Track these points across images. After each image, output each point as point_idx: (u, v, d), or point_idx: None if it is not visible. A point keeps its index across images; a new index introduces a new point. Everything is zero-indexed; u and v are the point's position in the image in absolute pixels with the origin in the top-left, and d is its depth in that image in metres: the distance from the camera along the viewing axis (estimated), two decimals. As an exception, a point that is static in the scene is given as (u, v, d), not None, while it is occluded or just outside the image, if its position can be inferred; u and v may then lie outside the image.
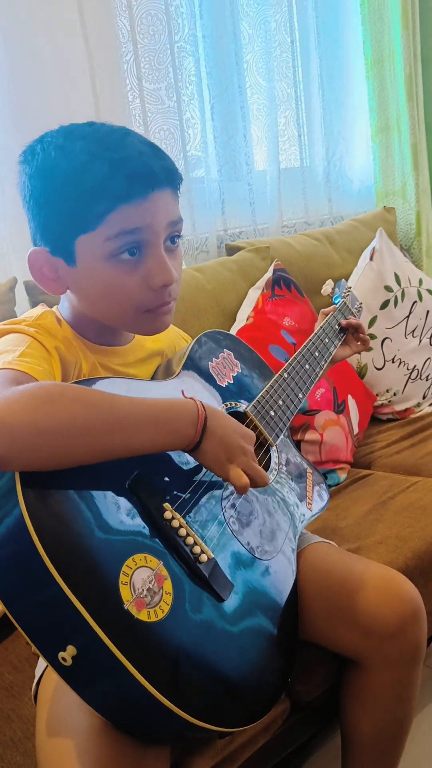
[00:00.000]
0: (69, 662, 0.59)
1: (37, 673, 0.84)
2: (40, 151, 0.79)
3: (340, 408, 1.58)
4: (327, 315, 1.18)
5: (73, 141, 0.78)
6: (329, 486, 1.45)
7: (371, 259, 1.89)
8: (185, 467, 0.80)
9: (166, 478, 0.77)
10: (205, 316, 1.57)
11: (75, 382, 0.73)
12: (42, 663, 0.84)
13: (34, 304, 1.33)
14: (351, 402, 1.65)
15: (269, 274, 1.69)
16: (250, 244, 1.79)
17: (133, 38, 1.61)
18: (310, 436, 1.48)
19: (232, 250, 1.81)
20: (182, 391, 0.87)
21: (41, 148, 0.80)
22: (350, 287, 1.28)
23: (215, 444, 0.75)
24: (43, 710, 0.75)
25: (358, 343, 1.20)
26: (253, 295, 1.66)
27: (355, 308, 1.25)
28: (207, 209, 1.82)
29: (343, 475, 1.51)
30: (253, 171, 1.94)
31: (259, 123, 1.96)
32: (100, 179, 0.75)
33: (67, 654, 0.59)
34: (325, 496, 1.06)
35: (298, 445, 1.47)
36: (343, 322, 1.18)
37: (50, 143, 0.79)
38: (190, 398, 0.77)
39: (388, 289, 1.86)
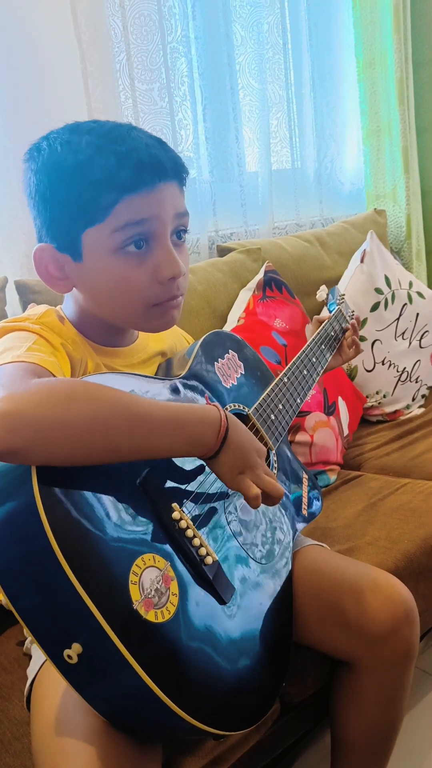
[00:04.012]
0: (75, 660, 0.59)
1: (30, 674, 0.84)
2: (46, 147, 0.79)
3: (331, 409, 1.59)
4: (321, 321, 1.19)
5: (79, 136, 0.78)
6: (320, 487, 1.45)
7: (362, 261, 1.89)
8: (192, 468, 0.80)
9: (175, 478, 0.76)
10: (197, 317, 1.56)
11: (87, 377, 0.73)
12: (35, 664, 0.84)
13: (25, 304, 1.32)
14: (341, 404, 1.65)
15: (260, 275, 1.69)
16: (241, 246, 1.79)
17: (125, 38, 1.61)
18: (300, 437, 1.48)
19: (223, 252, 1.81)
20: (206, 397, 0.87)
21: (47, 144, 0.79)
22: (344, 294, 1.29)
23: (231, 456, 0.75)
24: (39, 710, 0.75)
25: (353, 347, 1.20)
26: (244, 296, 1.66)
27: (349, 315, 1.26)
28: (198, 210, 1.82)
29: (333, 477, 1.52)
30: (245, 172, 1.94)
31: (251, 124, 1.96)
32: (108, 171, 0.75)
33: (73, 651, 0.58)
34: (319, 500, 1.07)
35: (288, 446, 1.47)
36: (351, 322, 1.19)
37: (56, 139, 0.79)
38: (213, 405, 0.76)
39: (378, 291, 1.87)
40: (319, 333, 1.15)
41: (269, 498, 0.78)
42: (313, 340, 1.13)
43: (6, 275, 1.37)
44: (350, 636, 0.89)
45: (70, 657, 0.59)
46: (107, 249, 0.79)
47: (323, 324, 1.17)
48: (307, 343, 1.12)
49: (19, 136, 1.33)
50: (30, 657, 0.90)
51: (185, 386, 0.87)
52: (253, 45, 1.91)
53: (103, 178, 0.75)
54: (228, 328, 1.60)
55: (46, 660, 0.77)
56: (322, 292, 1.24)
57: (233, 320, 1.61)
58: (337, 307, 1.23)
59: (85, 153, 0.76)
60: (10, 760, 0.84)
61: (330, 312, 1.22)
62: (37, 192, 0.80)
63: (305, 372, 1.07)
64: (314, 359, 1.10)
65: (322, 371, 1.12)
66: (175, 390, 0.85)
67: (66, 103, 1.47)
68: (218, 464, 0.75)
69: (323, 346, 1.14)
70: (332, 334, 1.18)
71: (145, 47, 1.65)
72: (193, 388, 0.88)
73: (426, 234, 2.44)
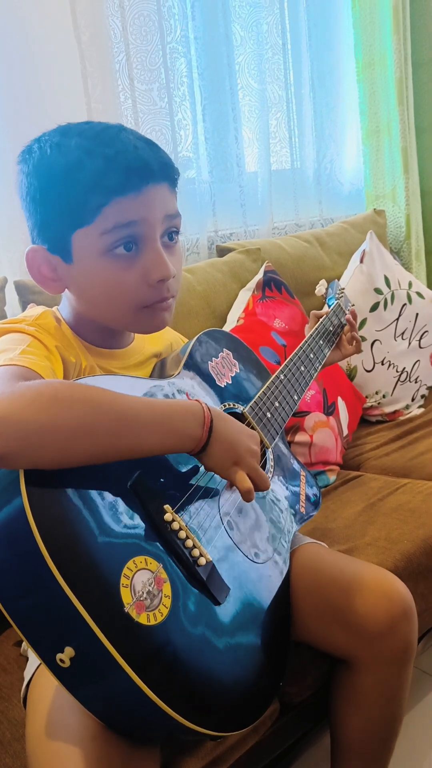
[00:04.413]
0: (67, 664, 0.58)
1: (26, 675, 0.84)
2: (37, 150, 0.80)
3: (330, 410, 1.59)
4: (319, 317, 1.18)
5: (68, 138, 0.78)
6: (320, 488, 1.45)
7: (361, 261, 1.89)
8: (184, 469, 0.80)
9: (167, 480, 0.76)
10: (196, 318, 1.57)
11: (79, 380, 0.73)
12: (31, 665, 0.84)
13: (24, 304, 1.32)
14: (341, 404, 1.65)
15: (260, 275, 1.69)
16: (240, 246, 1.79)
17: (125, 39, 1.61)
18: (300, 437, 1.48)
19: (222, 252, 1.81)
20: (187, 394, 0.87)
21: (38, 146, 0.80)
22: (343, 288, 1.28)
23: (222, 447, 0.75)
24: (34, 712, 0.75)
25: (353, 343, 1.19)
26: (244, 296, 1.66)
27: (348, 309, 1.25)
28: (198, 210, 1.82)
29: (332, 477, 1.52)
30: (244, 173, 1.94)
31: (250, 125, 1.96)
32: (96, 174, 0.76)
33: (65, 655, 0.58)
34: (318, 498, 1.07)
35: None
36: (347, 316, 1.18)
37: (47, 141, 0.79)
38: (195, 400, 0.76)
39: (378, 291, 1.87)
40: (316, 328, 1.14)
41: (258, 487, 0.79)
42: (311, 335, 1.12)
43: (6, 275, 1.37)
44: (348, 633, 0.89)
45: (62, 661, 0.59)
46: (97, 251, 0.79)
47: (321, 319, 1.17)
48: (305, 339, 1.11)
49: (19, 136, 1.33)
50: (27, 658, 0.90)
51: (175, 387, 0.87)
52: (253, 45, 1.91)
53: (90, 180, 0.76)
54: (227, 328, 1.60)
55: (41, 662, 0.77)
56: (321, 287, 1.24)
57: (233, 320, 1.61)
58: (335, 302, 1.22)
59: (74, 155, 0.77)
60: (10, 761, 0.84)
61: (329, 307, 1.22)
62: (28, 194, 0.81)
63: (302, 368, 1.06)
64: (311, 355, 1.10)
65: (320, 367, 1.11)
66: (165, 390, 0.85)
67: (66, 104, 1.47)
68: (209, 458, 0.75)
69: (321, 342, 1.14)
70: (330, 329, 1.17)
71: (144, 47, 1.65)
72: (183, 389, 0.88)
73: (425, 234, 2.44)
